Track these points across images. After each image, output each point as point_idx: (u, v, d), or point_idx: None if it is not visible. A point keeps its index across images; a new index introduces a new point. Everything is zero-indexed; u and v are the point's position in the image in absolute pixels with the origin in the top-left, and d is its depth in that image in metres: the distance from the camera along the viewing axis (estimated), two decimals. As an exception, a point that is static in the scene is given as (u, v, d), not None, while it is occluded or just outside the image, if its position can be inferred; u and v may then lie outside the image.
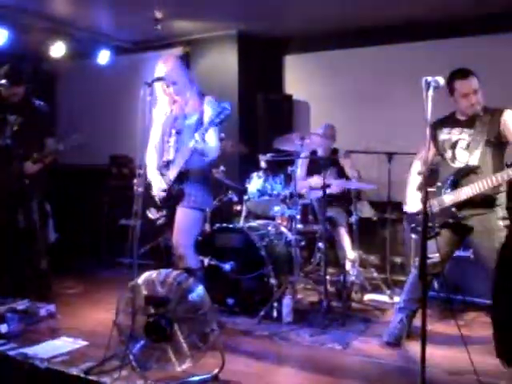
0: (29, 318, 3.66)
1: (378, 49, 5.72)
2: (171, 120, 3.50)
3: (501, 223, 3.15)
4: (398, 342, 3.36)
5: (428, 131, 3.27)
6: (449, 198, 3.20)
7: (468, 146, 3.26)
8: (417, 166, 3.52)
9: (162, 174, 3.46)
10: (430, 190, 3.21)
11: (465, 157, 3.25)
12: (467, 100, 3.23)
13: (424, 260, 2.52)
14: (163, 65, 3.44)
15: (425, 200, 2.55)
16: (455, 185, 3.20)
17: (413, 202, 3.40)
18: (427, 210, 2.91)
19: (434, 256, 3.04)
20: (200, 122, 3.38)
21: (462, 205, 3.17)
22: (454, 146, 3.31)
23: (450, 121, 3.40)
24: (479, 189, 3.06)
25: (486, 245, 3.14)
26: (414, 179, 3.47)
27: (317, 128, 5.20)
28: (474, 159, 3.19)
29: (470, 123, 3.29)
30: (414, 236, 3.55)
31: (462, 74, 3.25)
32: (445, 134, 3.39)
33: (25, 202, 4.18)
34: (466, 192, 3.12)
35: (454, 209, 3.18)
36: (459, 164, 3.26)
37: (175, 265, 3.40)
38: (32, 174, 4.11)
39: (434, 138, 3.41)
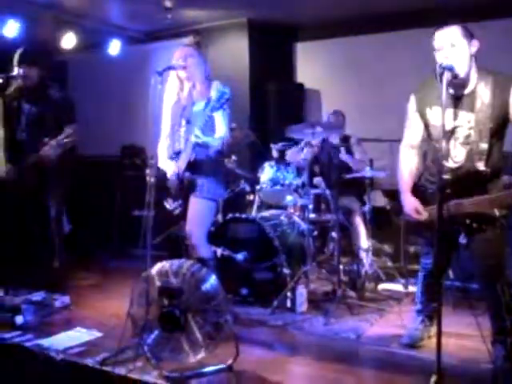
0: (44, 309, 3.69)
1: (391, 35, 5.64)
2: (180, 109, 3.47)
3: (496, 212, 2.68)
4: (419, 344, 3.14)
5: (412, 106, 2.87)
6: (455, 208, 2.66)
7: (468, 137, 2.66)
8: (407, 155, 2.96)
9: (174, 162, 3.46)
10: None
11: (462, 154, 2.68)
12: (443, 56, 2.59)
13: (437, 265, 2.45)
14: (179, 51, 3.40)
15: (441, 196, 2.43)
16: (461, 193, 2.67)
17: (412, 208, 2.86)
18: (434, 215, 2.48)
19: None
20: (206, 108, 3.34)
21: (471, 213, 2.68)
22: (449, 135, 2.66)
23: (438, 94, 2.52)
24: (489, 206, 2.62)
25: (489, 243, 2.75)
26: (407, 178, 2.93)
27: (326, 115, 5.16)
28: (478, 157, 2.62)
29: (468, 102, 2.63)
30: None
31: (440, 26, 2.66)
32: (436, 117, 2.73)
33: (42, 198, 4.17)
34: (473, 206, 2.65)
35: (467, 220, 2.69)
36: (454, 164, 2.68)
37: (188, 255, 3.40)
38: (51, 158, 4.03)
39: (422, 116, 2.83)
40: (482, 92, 2.62)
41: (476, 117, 2.62)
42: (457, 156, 2.71)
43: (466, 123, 2.66)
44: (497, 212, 2.67)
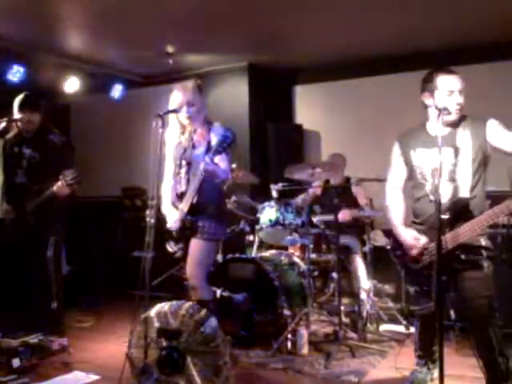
0: (41, 351, 3.63)
1: (388, 77, 5.77)
2: (181, 151, 3.50)
3: (484, 253, 2.75)
4: None
5: (396, 151, 3.04)
6: (451, 240, 2.71)
7: (452, 173, 2.78)
8: (393, 194, 3.07)
9: (176, 207, 3.47)
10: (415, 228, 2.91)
11: (449, 189, 2.78)
12: (453, 99, 2.73)
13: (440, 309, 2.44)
14: (181, 91, 3.45)
15: (439, 235, 2.44)
16: (452, 224, 2.71)
17: (410, 237, 2.88)
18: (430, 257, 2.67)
19: (430, 305, 2.78)
20: (207, 152, 3.39)
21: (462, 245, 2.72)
22: (434, 174, 2.77)
23: (422, 138, 2.85)
24: (482, 226, 2.65)
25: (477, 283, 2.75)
26: (397, 213, 3.01)
27: (327, 158, 5.21)
28: (464, 190, 2.73)
29: (449, 140, 2.76)
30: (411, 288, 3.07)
31: (447, 69, 2.81)
32: (420, 158, 2.90)
33: (41, 240, 4.16)
34: (468, 232, 2.68)
35: (458, 252, 2.72)
36: (443, 199, 2.69)
37: (188, 296, 3.38)
38: (63, 196, 4.00)
39: (406, 159, 2.97)
40: (462, 128, 2.78)
41: (459, 152, 2.76)
42: (444, 192, 2.76)
43: (449, 159, 2.78)
44: (485, 253, 2.74)
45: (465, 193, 2.73)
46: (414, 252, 2.90)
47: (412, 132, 3.00)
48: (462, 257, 2.74)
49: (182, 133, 3.52)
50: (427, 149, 2.86)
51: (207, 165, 3.18)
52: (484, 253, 2.75)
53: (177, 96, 3.42)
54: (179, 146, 3.53)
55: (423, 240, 2.85)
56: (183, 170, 3.45)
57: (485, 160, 2.80)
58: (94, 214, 6.45)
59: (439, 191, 2.58)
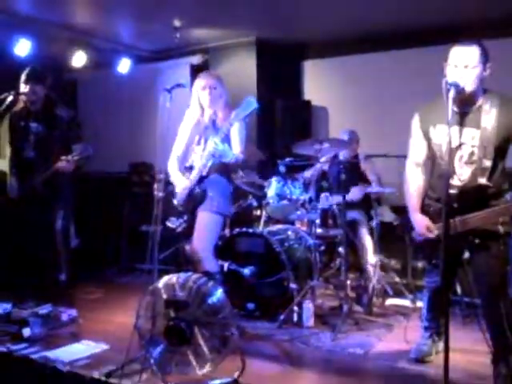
0: (51, 322, 3.69)
1: (396, 53, 5.69)
2: (202, 129, 3.55)
3: (500, 229, 2.68)
4: (427, 359, 3.11)
5: (416, 124, 2.88)
6: (461, 225, 2.67)
7: (472, 155, 2.65)
8: (414, 174, 2.93)
9: (184, 176, 3.51)
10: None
11: (467, 173, 2.69)
12: (461, 73, 2.56)
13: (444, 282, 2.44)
14: (204, 77, 3.54)
15: (446, 217, 2.40)
16: (466, 209, 2.66)
17: (423, 226, 2.82)
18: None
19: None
20: (227, 139, 3.41)
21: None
22: (454, 153, 2.66)
23: (444, 113, 2.46)
24: (500, 214, 2.62)
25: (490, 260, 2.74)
26: (414, 196, 2.90)
27: (336, 133, 5.19)
28: (482, 175, 2.63)
29: (473, 119, 2.63)
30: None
31: (464, 42, 2.61)
32: (439, 135, 2.74)
33: (49, 213, 4.19)
34: (478, 221, 2.64)
35: (471, 237, 2.69)
36: (460, 182, 2.69)
37: (194, 269, 3.42)
38: (66, 172, 4.08)
39: (425, 135, 2.82)
40: (488, 110, 2.61)
41: (481, 134, 2.61)
42: (462, 174, 2.70)
43: (470, 140, 2.65)
44: (501, 229, 2.67)
45: (483, 178, 2.64)
46: (420, 238, 2.87)
47: (433, 105, 2.77)
48: (477, 241, 2.70)
49: (202, 115, 3.57)
50: (447, 126, 2.55)
51: (216, 144, 3.22)
52: (501, 229, 2.66)
53: (200, 81, 3.51)
54: (199, 124, 3.58)
55: (435, 232, 2.78)
56: (200, 148, 3.50)
57: (507, 143, 2.66)
58: (103, 189, 6.48)
59: (451, 173, 2.53)
